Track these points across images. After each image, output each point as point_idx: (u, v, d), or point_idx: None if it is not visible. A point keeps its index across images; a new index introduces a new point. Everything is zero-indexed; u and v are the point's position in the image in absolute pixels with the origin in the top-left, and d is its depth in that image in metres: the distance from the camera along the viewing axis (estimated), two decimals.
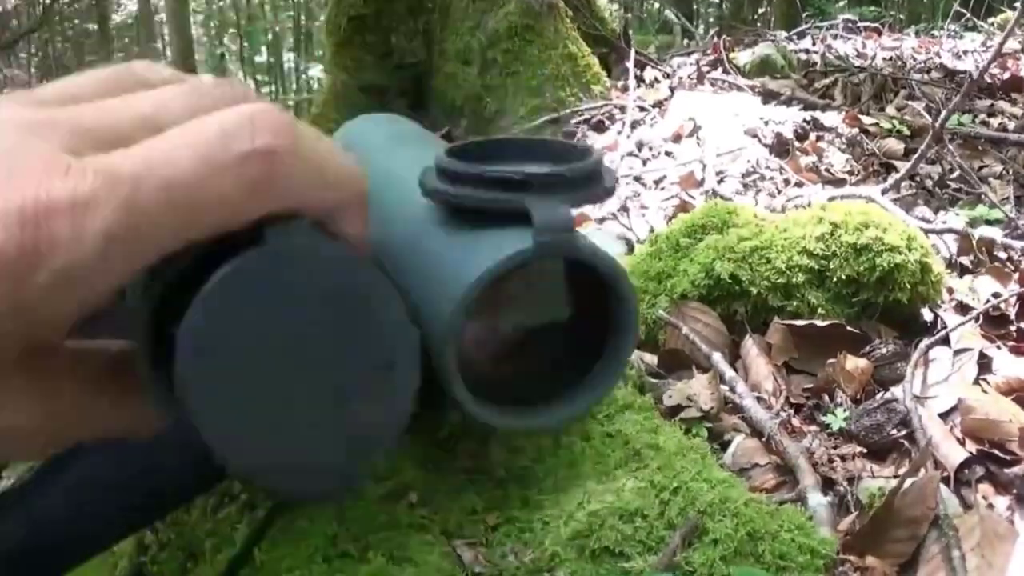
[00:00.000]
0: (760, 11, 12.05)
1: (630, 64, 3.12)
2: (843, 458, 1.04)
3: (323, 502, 0.84)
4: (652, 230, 1.92)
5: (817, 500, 0.93)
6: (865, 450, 1.06)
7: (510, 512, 0.85)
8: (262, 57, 21.62)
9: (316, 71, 19.44)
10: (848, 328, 1.24)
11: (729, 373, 1.18)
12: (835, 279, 1.25)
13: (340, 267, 0.59)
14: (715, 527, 0.81)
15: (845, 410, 1.11)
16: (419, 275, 0.80)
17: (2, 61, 18.54)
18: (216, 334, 0.58)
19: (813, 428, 1.12)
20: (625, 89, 3.15)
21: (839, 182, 2.19)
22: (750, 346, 1.25)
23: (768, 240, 1.28)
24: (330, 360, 0.61)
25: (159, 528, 0.93)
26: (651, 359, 1.26)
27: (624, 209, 2.11)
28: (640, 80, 3.23)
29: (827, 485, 1.00)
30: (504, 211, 0.73)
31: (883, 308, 1.27)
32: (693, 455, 0.90)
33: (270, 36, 21.40)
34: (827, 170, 2.29)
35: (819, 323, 1.23)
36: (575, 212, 0.80)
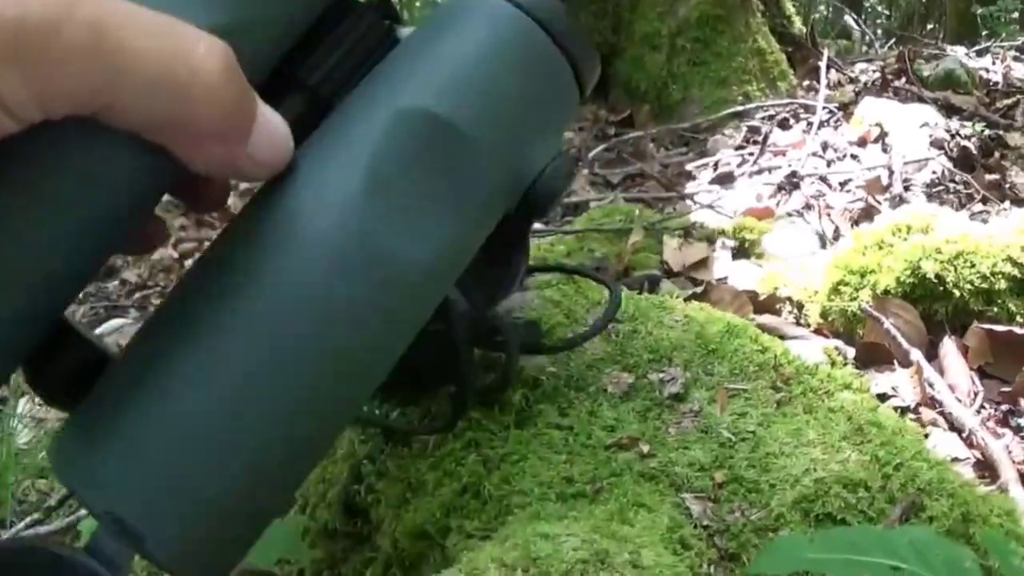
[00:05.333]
0: (928, 26, 11.84)
1: (822, 64, 3.07)
2: None
3: None
4: (836, 229, 1.95)
5: (1019, 492, 0.96)
6: None
7: (737, 471, 0.89)
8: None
9: None
10: None
11: (928, 369, 1.21)
12: None
13: None
14: (933, 505, 0.85)
15: None
16: None
17: None
18: None
19: (1006, 431, 1.15)
20: (810, 89, 3.14)
21: (1022, 202, 2.19)
22: (948, 347, 1.28)
23: (974, 245, 1.31)
24: None
25: (377, 458, 0.98)
26: (848, 351, 1.30)
27: (808, 207, 2.14)
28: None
29: None
30: None
31: None
32: (911, 436, 0.93)
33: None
34: (1011, 188, 2.28)
35: (1018, 330, 1.26)
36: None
